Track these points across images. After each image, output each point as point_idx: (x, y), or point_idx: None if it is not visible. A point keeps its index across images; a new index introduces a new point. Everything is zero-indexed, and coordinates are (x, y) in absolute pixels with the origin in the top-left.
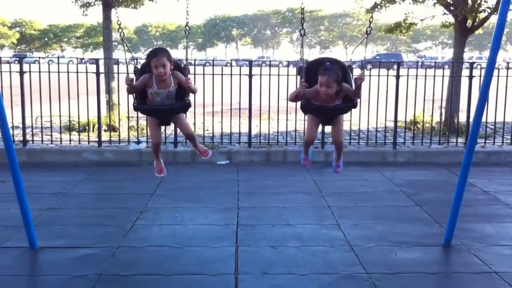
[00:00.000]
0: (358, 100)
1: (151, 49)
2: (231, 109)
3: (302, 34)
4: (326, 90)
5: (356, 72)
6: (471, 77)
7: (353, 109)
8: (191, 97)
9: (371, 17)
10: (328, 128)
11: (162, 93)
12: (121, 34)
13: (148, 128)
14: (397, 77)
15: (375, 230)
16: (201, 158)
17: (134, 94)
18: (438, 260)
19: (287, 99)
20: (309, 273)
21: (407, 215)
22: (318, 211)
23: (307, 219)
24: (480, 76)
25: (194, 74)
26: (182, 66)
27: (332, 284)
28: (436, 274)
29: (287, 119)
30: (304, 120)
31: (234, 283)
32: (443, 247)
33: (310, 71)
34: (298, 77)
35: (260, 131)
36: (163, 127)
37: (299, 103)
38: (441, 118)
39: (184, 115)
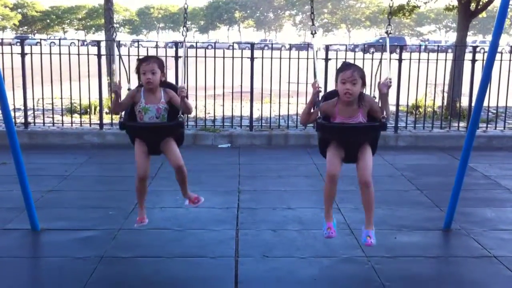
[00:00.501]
0: (388, 118)
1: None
2: (232, 92)
3: (313, 32)
4: (352, 88)
5: (359, 57)
6: (473, 61)
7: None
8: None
9: (389, 18)
10: None
11: (150, 109)
12: (117, 45)
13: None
14: (400, 60)
15: (375, 214)
16: (202, 142)
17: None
18: (438, 244)
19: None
20: (309, 256)
21: (407, 199)
22: (319, 195)
23: (307, 202)
24: (483, 60)
25: (196, 56)
26: (179, 86)
27: (332, 267)
28: (436, 258)
29: (288, 103)
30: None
31: (234, 266)
32: (443, 231)
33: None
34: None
35: (261, 115)
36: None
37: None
38: (443, 102)
39: (176, 144)
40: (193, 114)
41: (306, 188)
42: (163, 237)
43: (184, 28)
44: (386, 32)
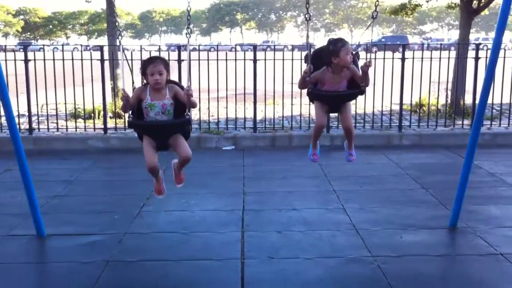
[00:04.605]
0: (366, 86)
1: (147, 57)
2: (236, 94)
3: (307, 18)
4: (350, 58)
5: (363, 57)
6: (477, 58)
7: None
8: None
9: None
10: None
11: (156, 105)
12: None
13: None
14: (403, 59)
15: (381, 214)
16: (206, 145)
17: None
18: (444, 243)
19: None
20: (315, 257)
21: (412, 198)
22: (324, 195)
23: (312, 203)
24: (486, 57)
25: (199, 60)
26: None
27: (338, 268)
28: (442, 257)
29: (292, 104)
30: (309, 105)
31: (240, 268)
32: (448, 230)
33: (316, 57)
34: (304, 64)
35: (265, 116)
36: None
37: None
38: (447, 101)
39: (184, 138)
40: (196, 117)
41: (311, 189)
42: (169, 241)
43: (188, 29)
44: (372, 16)
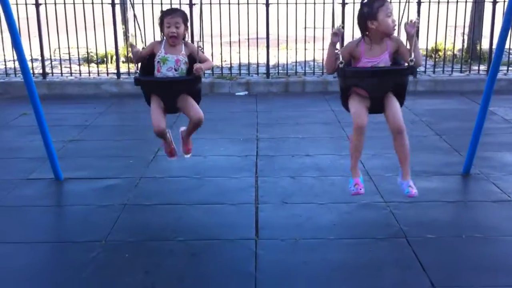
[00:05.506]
0: (417, 64)
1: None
2: (248, 39)
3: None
4: (394, 21)
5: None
6: (495, 2)
7: None
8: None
9: None
10: None
11: (169, 59)
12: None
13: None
14: (419, 3)
15: (394, 160)
16: (219, 90)
17: (139, 66)
18: (457, 189)
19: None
20: (328, 202)
21: (426, 145)
22: (337, 142)
23: (325, 149)
24: (504, 1)
25: (210, 4)
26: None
27: (351, 213)
28: (454, 203)
29: (305, 49)
30: (323, 51)
31: (254, 212)
32: (462, 176)
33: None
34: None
35: (278, 62)
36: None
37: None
38: (463, 45)
39: (195, 101)
40: None
41: (324, 135)
42: (183, 185)
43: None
44: None
